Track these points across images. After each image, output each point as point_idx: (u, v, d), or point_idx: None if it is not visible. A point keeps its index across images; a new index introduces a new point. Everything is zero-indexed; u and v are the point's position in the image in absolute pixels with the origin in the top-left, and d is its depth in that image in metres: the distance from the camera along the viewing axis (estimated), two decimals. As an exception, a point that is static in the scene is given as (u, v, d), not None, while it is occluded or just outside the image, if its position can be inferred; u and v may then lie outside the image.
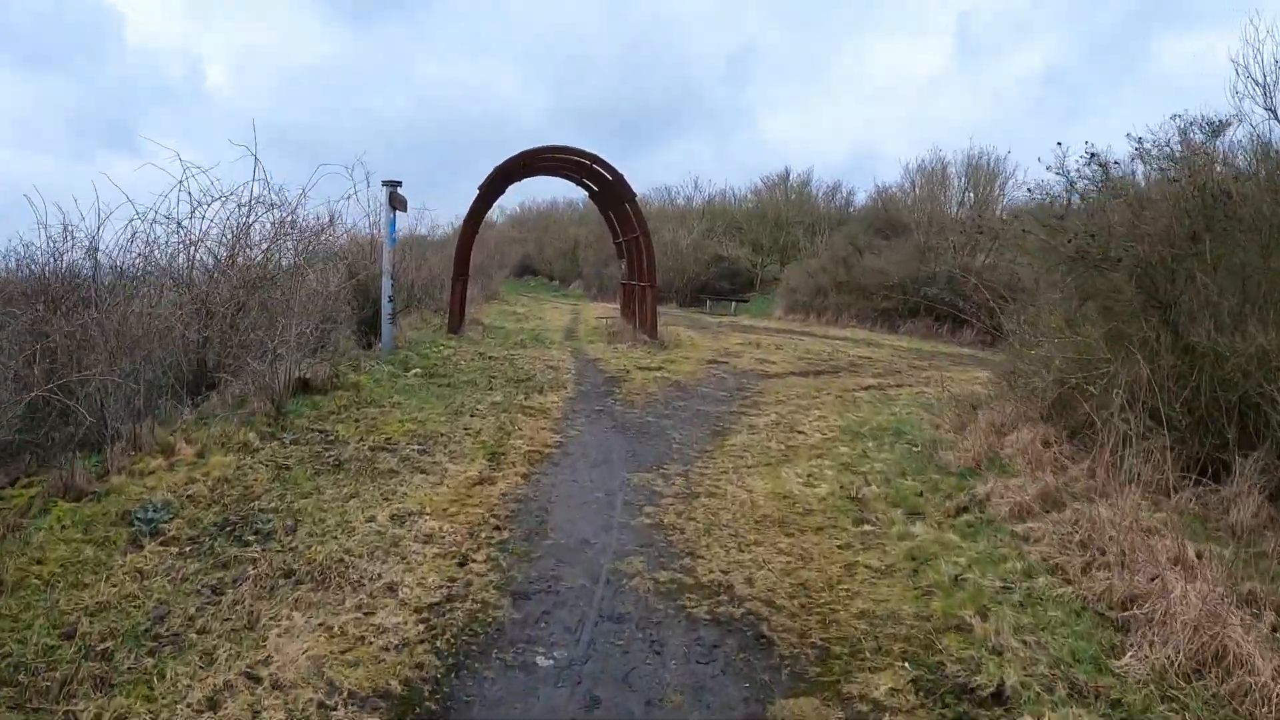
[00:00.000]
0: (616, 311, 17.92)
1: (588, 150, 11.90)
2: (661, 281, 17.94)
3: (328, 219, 9.75)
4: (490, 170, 11.55)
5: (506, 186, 13.36)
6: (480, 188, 11.50)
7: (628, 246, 13.88)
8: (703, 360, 10.94)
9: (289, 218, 7.79)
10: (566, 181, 14.32)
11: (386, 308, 8.92)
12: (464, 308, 12.64)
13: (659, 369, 9.84)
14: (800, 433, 6.67)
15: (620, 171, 12.01)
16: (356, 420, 6.09)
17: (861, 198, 27.57)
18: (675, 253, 25.33)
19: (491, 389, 7.84)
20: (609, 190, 13.05)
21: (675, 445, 6.08)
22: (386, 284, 8.93)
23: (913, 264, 18.86)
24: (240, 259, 7.17)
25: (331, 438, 5.63)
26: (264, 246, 7.41)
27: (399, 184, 8.97)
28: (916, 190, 22.80)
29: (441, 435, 5.91)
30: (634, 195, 12.10)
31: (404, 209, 9.26)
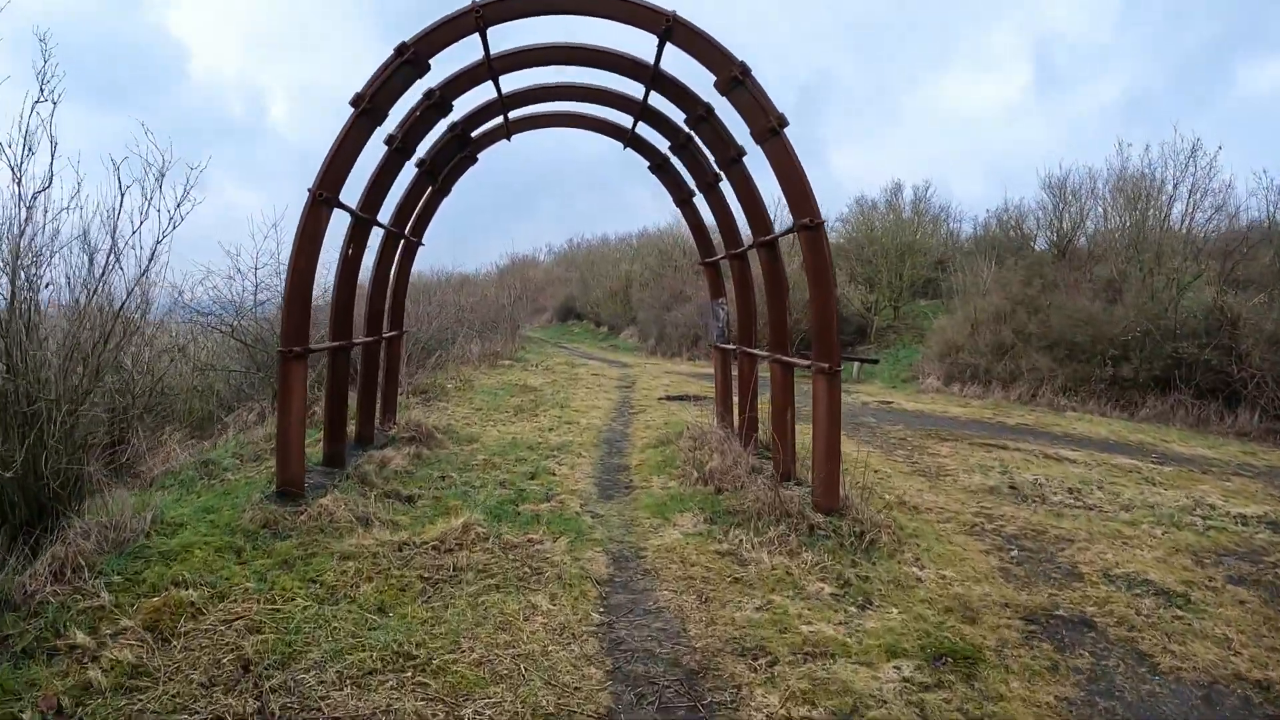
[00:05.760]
0: (690, 378, 10.18)
1: (654, 3, 4.44)
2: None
3: None
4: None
5: (457, 129, 5.98)
6: (352, 103, 4.11)
7: (740, 268, 6.20)
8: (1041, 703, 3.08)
9: None
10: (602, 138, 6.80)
11: None
12: (340, 425, 5.12)
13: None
14: None
15: (746, 65, 4.47)
16: None
17: (969, 225, 20.69)
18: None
19: None
20: (705, 133, 5.47)
21: None
22: None
23: (1141, 308, 11.35)
24: None
25: None
26: None
27: None
28: (1114, 206, 15.34)
29: None
30: (784, 122, 4.43)
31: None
